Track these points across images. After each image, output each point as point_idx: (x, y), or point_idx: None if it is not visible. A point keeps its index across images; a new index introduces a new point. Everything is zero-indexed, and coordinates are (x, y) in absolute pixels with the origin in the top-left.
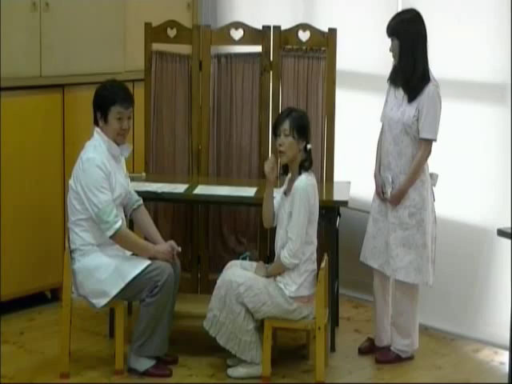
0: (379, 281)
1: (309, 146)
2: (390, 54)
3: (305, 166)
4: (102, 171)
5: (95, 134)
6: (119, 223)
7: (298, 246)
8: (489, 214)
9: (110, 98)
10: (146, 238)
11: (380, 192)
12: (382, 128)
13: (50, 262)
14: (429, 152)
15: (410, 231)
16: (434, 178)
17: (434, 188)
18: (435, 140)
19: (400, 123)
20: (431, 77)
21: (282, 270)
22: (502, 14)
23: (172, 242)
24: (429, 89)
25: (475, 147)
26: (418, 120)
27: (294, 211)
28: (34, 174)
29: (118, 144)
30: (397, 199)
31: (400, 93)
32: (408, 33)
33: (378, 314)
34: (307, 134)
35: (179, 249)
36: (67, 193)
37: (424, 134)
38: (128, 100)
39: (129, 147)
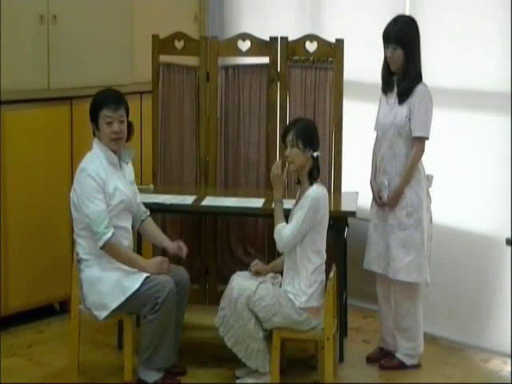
0: (382, 284)
1: (315, 154)
2: None
3: (313, 174)
4: (94, 181)
5: (94, 144)
6: (108, 235)
7: (290, 239)
8: (497, 223)
9: (97, 104)
10: (154, 246)
11: (377, 197)
12: (376, 137)
13: (58, 274)
14: (422, 150)
15: (408, 231)
16: (429, 179)
17: (430, 189)
18: (427, 138)
19: (393, 126)
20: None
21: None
22: (506, 23)
23: (181, 243)
24: (419, 88)
25: (483, 156)
26: (410, 120)
27: (298, 213)
28: (41, 187)
29: (114, 152)
30: (394, 200)
31: (391, 98)
32: (413, 41)
33: (383, 317)
34: (313, 142)
35: (186, 248)
36: None
37: (416, 132)
38: (115, 102)
39: (131, 153)
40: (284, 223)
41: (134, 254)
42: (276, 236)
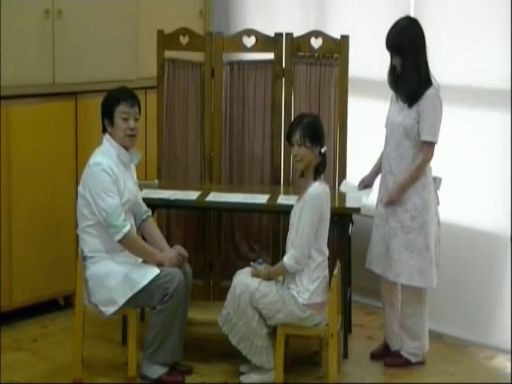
0: (385, 286)
1: (323, 150)
2: None
3: (319, 169)
4: (108, 175)
5: (104, 140)
6: (127, 227)
7: (303, 253)
8: (502, 220)
9: (113, 99)
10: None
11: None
12: (386, 135)
13: (62, 269)
14: (431, 155)
15: (411, 234)
16: (437, 181)
17: (438, 192)
18: (435, 142)
19: (401, 126)
20: (433, 81)
21: (284, 273)
22: (507, 21)
23: (179, 247)
24: (429, 92)
25: (489, 153)
26: (418, 122)
27: (303, 218)
28: (46, 182)
29: (126, 149)
30: (396, 196)
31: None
32: (409, 48)
33: (386, 318)
34: (320, 138)
35: (186, 254)
36: None
37: (424, 136)
38: (132, 99)
39: (138, 154)
40: (283, 259)
41: (150, 248)
42: (290, 262)
